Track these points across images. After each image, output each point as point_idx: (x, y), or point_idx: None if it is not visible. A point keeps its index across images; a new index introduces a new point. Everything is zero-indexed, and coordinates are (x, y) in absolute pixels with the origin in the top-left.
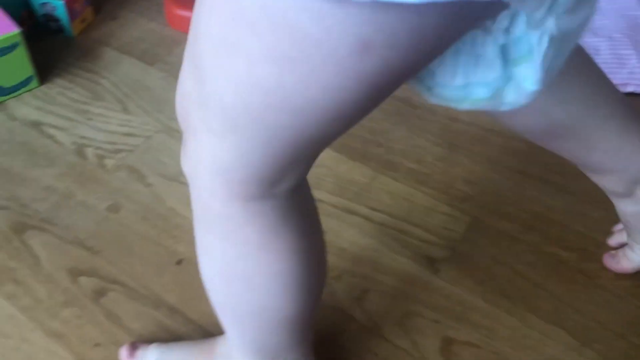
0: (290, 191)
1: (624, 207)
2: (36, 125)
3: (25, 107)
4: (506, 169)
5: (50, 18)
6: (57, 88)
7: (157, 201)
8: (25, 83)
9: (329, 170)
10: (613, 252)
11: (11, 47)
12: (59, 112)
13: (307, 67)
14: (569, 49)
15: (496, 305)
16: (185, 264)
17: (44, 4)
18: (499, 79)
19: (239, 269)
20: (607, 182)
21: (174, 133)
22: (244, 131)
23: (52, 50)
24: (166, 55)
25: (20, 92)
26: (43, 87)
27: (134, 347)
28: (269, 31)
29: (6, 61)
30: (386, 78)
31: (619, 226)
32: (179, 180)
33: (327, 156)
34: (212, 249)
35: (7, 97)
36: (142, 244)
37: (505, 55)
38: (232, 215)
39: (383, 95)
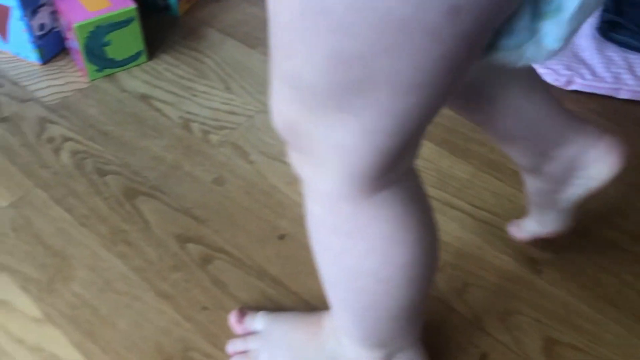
0: (406, 177)
1: (530, 183)
2: (145, 98)
3: (134, 80)
4: (614, 179)
5: None
6: (163, 64)
7: (260, 178)
8: (135, 57)
9: (431, 164)
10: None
11: (126, 22)
12: (166, 87)
13: (411, 46)
14: (591, 12)
15: (602, 312)
16: (287, 239)
17: None
18: (525, 31)
19: (368, 264)
20: (515, 153)
21: None
22: (364, 122)
23: (159, 28)
24: (267, 39)
25: (129, 65)
26: (151, 63)
27: (242, 313)
28: (366, 29)
29: (120, 35)
30: (477, 33)
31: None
32: (280, 159)
33: (428, 150)
34: (339, 248)
35: (118, 69)
36: (246, 217)
37: (535, 9)
38: (362, 211)
39: (477, 54)
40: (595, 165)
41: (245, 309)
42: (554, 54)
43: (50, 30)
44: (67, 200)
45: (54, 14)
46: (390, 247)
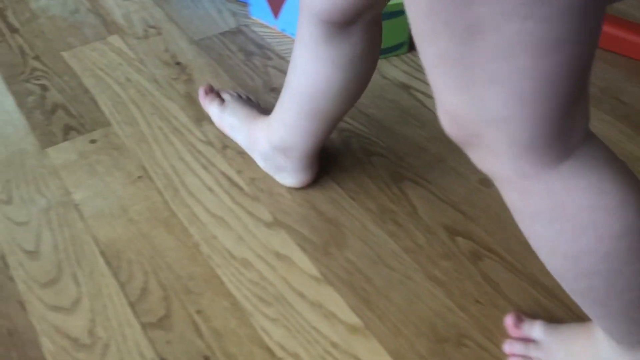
0: (585, 142)
1: None
2: (405, 87)
3: (394, 69)
4: None
5: None
6: None
7: None
8: (397, 47)
9: None
10: None
11: (397, 13)
12: (426, 80)
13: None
14: None
15: None
16: None
17: None
18: None
19: (582, 243)
20: None
21: None
22: (514, 89)
23: None
24: None
25: (390, 54)
26: (410, 54)
27: (519, 318)
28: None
29: (390, 24)
30: None
31: None
32: None
33: None
34: (548, 236)
35: (380, 56)
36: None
37: None
38: (553, 187)
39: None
40: (290, 177)
41: (523, 315)
42: None
43: None
44: (336, 173)
45: None
46: (597, 218)
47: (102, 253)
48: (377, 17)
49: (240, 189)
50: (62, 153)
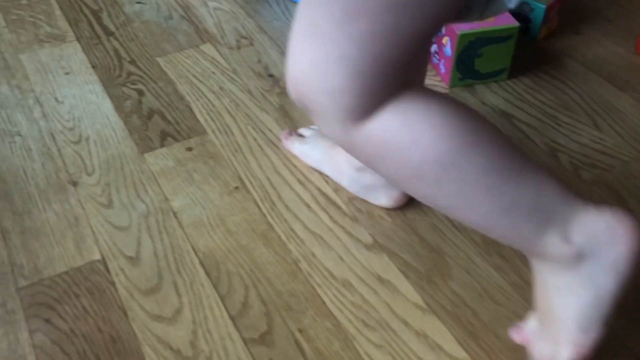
0: (415, 91)
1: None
2: (507, 116)
3: (494, 96)
4: None
5: (522, 17)
6: (522, 85)
7: None
8: (497, 73)
9: None
10: None
11: (505, 38)
12: (527, 110)
13: None
14: None
15: None
16: None
17: (524, 2)
18: None
19: (414, 169)
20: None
21: None
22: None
23: (515, 48)
24: (637, 83)
25: (489, 80)
26: (509, 82)
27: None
28: None
29: (493, 49)
30: None
31: None
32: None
33: None
34: (396, 171)
35: (478, 81)
36: None
37: None
38: (373, 136)
39: None
40: (383, 195)
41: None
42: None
43: None
44: None
45: None
46: (410, 150)
47: (202, 263)
48: None
49: (338, 207)
50: (160, 159)
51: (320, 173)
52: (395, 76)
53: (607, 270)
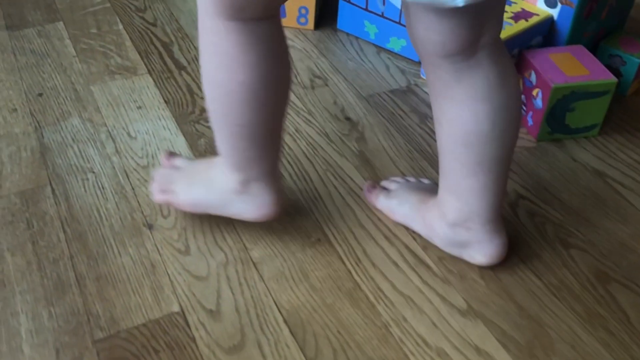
0: (258, 20)
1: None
2: (600, 174)
3: (584, 152)
4: None
5: (612, 70)
6: (615, 143)
7: None
8: (588, 129)
9: None
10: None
11: (601, 93)
12: (622, 169)
13: None
14: None
15: None
16: None
17: (615, 55)
18: None
19: (220, 76)
20: (444, 201)
21: None
22: None
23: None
24: None
25: (579, 135)
26: (600, 138)
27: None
28: None
29: (587, 104)
30: None
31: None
32: None
33: None
34: (205, 61)
35: (567, 136)
36: None
37: None
38: (219, 30)
39: None
40: (478, 252)
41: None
42: None
43: None
44: (532, 263)
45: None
46: (234, 65)
47: (286, 321)
48: (497, 43)
49: (428, 267)
50: None
51: (406, 228)
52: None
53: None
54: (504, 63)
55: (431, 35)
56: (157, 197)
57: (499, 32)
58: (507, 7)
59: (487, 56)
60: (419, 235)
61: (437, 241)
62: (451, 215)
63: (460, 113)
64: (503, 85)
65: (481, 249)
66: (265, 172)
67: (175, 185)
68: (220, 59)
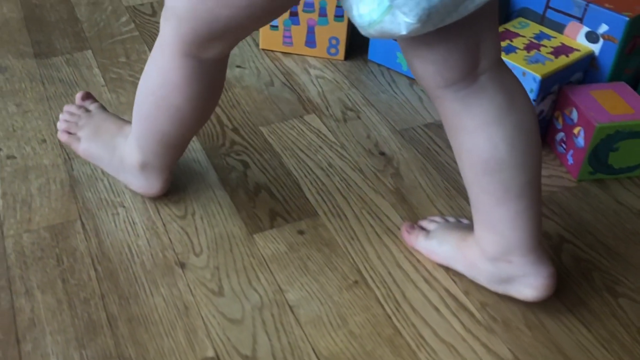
0: (212, 60)
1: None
2: None
3: (629, 194)
4: None
5: None
6: None
7: None
8: (632, 169)
9: None
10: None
11: None
12: None
13: None
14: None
15: None
16: None
17: None
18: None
19: (158, 91)
20: (482, 238)
21: None
22: (186, 18)
23: None
24: None
25: (622, 175)
26: None
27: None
28: None
29: (632, 144)
30: None
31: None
32: None
33: None
34: (148, 73)
35: (610, 176)
36: None
37: None
38: (172, 60)
39: None
40: (525, 286)
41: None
42: (412, 27)
43: (543, 118)
44: (579, 311)
45: (554, 103)
46: (175, 92)
47: None
48: (499, 65)
49: (471, 314)
50: (270, 242)
51: (447, 270)
52: (204, 38)
53: None
54: (511, 83)
55: (427, 66)
56: (61, 135)
57: (498, 54)
58: (546, 42)
59: (489, 79)
60: (460, 279)
61: (482, 279)
62: (490, 250)
63: (476, 141)
64: (513, 106)
65: (528, 282)
66: (164, 164)
67: (81, 131)
68: (164, 80)
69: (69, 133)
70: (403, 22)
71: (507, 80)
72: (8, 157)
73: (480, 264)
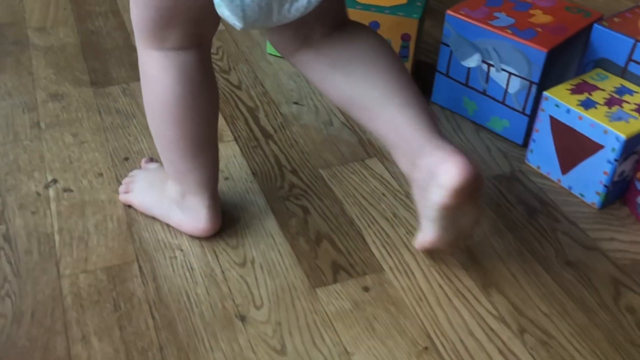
0: (178, 50)
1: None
2: None
3: None
4: None
5: None
6: None
7: None
8: None
9: None
10: None
11: None
12: None
13: None
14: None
15: None
16: None
17: None
18: None
19: (148, 98)
20: (397, 160)
21: None
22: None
23: None
24: None
25: None
26: None
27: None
28: None
29: None
30: None
31: None
32: None
33: None
34: (144, 87)
35: None
36: None
37: None
38: (147, 58)
39: None
40: (442, 176)
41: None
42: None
43: (623, 178)
44: None
45: (636, 163)
46: (154, 86)
47: None
48: (327, 33)
49: None
50: (334, 298)
51: (524, 343)
52: (156, 29)
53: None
54: (342, 41)
55: (272, 40)
56: (120, 196)
57: (328, 28)
58: (629, 97)
59: (320, 47)
60: (537, 353)
61: None
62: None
63: (328, 89)
64: (350, 58)
65: (438, 174)
66: (197, 185)
67: (135, 185)
68: (147, 78)
69: (126, 193)
70: (235, 22)
71: (338, 41)
72: (65, 190)
73: None
